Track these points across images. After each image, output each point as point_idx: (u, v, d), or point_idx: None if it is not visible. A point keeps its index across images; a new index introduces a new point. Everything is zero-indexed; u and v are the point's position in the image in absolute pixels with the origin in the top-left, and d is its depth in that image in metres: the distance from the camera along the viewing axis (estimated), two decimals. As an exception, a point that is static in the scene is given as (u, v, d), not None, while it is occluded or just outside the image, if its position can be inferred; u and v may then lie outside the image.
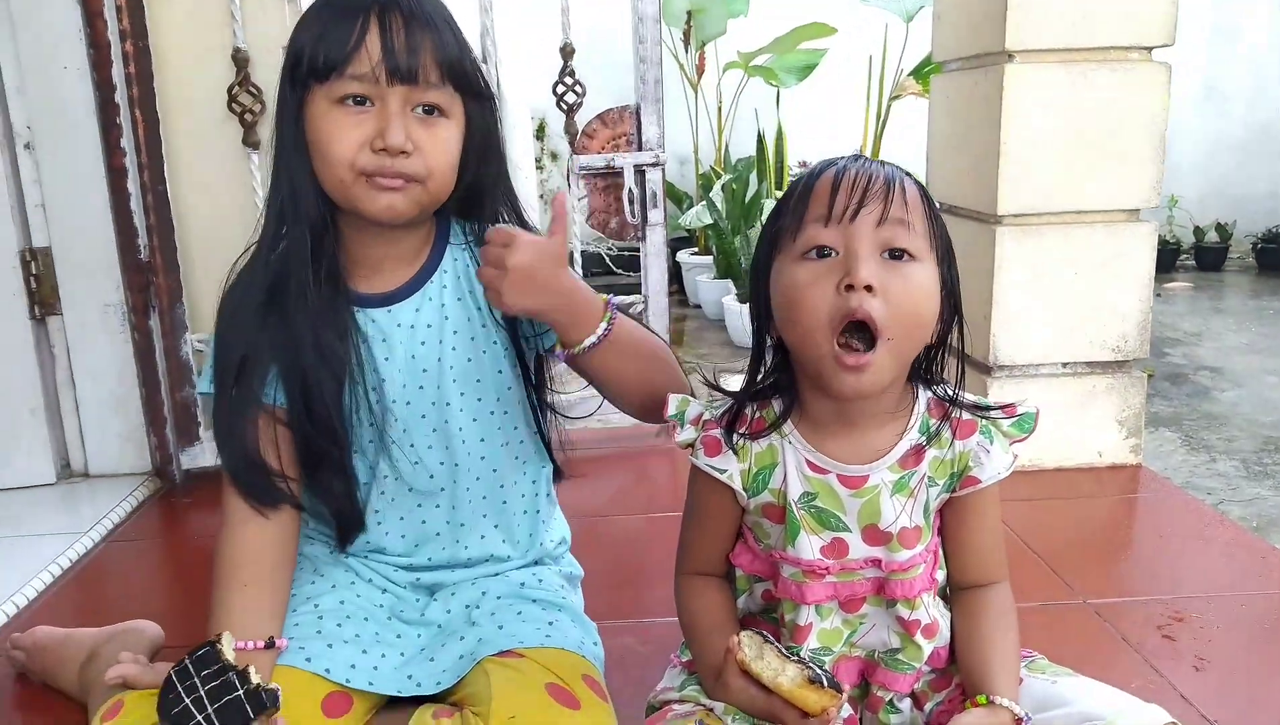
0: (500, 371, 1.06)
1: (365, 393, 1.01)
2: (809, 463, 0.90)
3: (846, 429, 0.89)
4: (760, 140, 4.57)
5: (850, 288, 0.80)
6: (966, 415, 0.90)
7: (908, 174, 0.86)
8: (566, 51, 2.11)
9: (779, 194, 4.32)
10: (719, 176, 4.47)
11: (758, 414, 0.92)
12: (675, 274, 4.87)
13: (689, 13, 4.70)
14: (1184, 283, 5.09)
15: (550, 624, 1.05)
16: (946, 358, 0.91)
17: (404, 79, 0.92)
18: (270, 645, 0.96)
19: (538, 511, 1.14)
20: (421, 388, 1.04)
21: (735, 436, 0.91)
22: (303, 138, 0.95)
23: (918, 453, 0.90)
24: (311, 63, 0.92)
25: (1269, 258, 5.38)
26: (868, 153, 4.52)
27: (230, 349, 0.99)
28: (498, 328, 1.05)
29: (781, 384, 0.92)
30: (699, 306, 4.61)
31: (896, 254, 0.82)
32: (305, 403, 0.98)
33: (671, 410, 0.95)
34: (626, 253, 5.21)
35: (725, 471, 0.92)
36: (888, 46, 4.41)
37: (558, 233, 0.95)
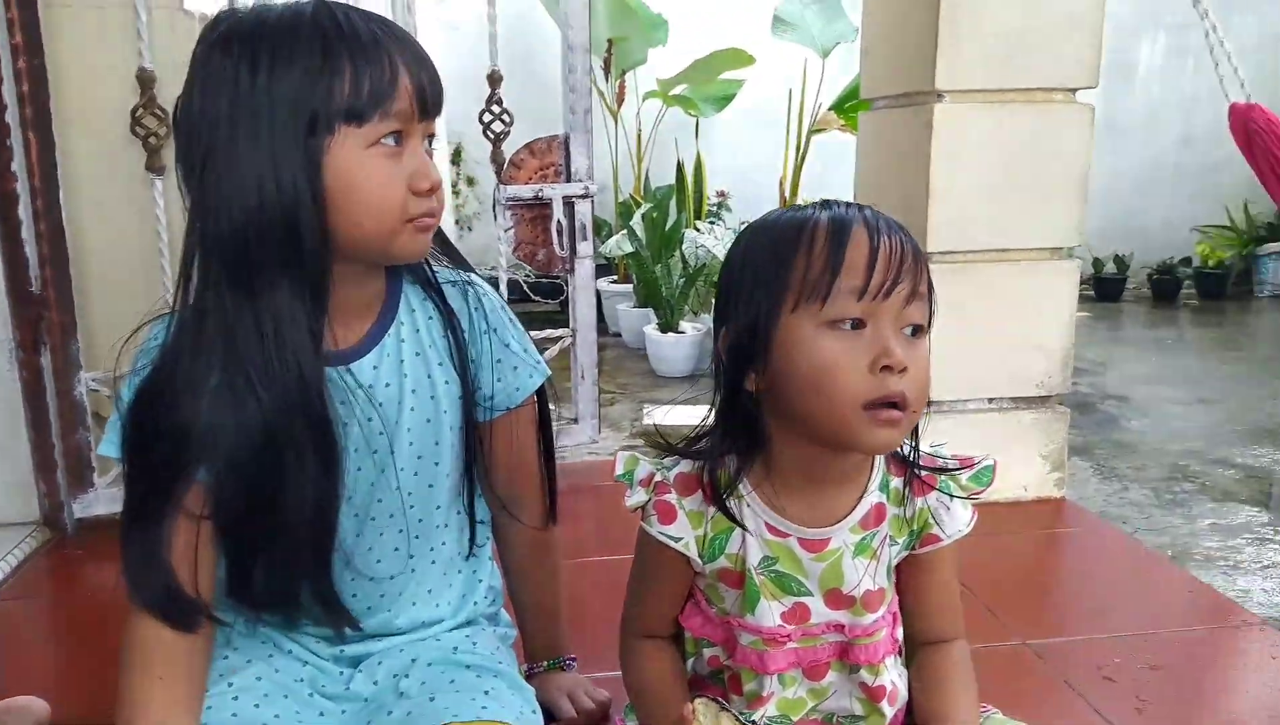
0: (451, 428, 0.99)
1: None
2: (769, 526, 0.86)
3: (810, 489, 0.86)
4: (680, 169, 4.58)
5: (887, 369, 0.78)
6: (925, 471, 0.88)
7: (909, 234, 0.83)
8: (494, 79, 2.06)
9: (699, 224, 4.31)
10: (639, 205, 4.45)
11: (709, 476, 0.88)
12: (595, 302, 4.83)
13: (610, 41, 4.69)
14: (1084, 313, 5.28)
15: (486, 693, 0.98)
16: None
17: (430, 112, 0.87)
18: None
19: (474, 571, 1.08)
20: (375, 452, 0.95)
21: (704, 506, 0.87)
22: (318, 187, 0.82)
23: (879, 512, 0.87)
24: (345, 103, 0.81)
25: (1163, 288, 5.64)
26: (788, 185, 4.58)
27: (159, 443, 0.84)
28: (458, 383, 0.98)
29: (740, 441, 0.88)
30: (619, 335, 4.58)
31: (914, 329, 0.81)
32: (274, 503, 0.86)
33: (620, 470, 0.90)
34: (545, 280, 5.15)
35: (680, 539, 0.88)
36: (806, 79, 4.48)
37: None
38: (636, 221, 4.22)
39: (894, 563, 0.89)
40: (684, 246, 4.06)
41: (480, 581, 1.09)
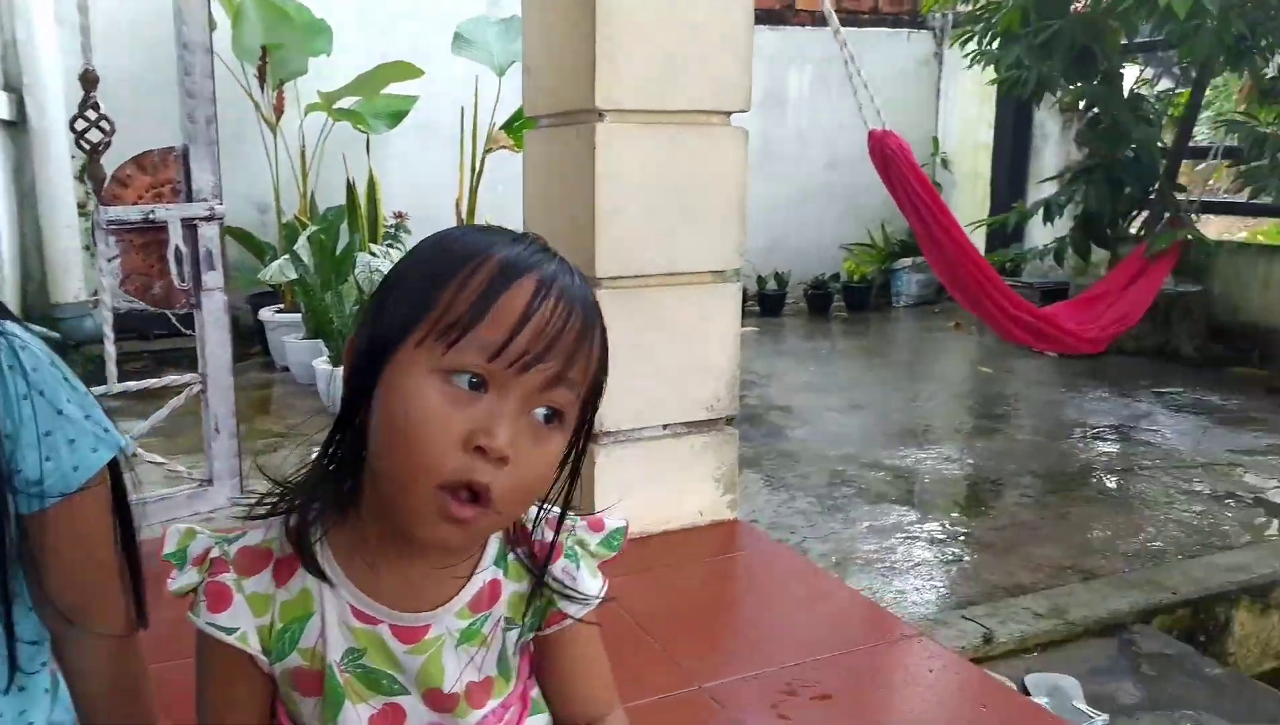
0: None
1: None
2: (355, 610, 0.71)
3: (407, 565, 0.71)
4: (351, 189, 4.29)
5: (480, 451, 0.64)
6: (550, 536, 0.76)
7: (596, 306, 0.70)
8: (89, 79, 1.73)
9: (374, 247, 4.03)
10: (305, 227, 4.11)
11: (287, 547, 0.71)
12: (259, 334, 4.41)
13: (264, 47, 4.31)
14: (751, 328, 5.61)
15: None
16: None
17: None
18: None
19: (21, 712, 0.83)
20: None
21: (272, 588, 0.70)
22: None
23: (493, 590, 0.74)
24: None
25: (816, 302, 6.15)
26: (464, 205, 4.44)
27: None
28: None
29: (336, 491, 0.71)
30: (287, 369, 4.19)
31: (547, 416, 0.67)
32: None
33: (169, 548, 0.72)
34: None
35: (235, 630, 0.70)
36: (479, 97, 4.37)
37: None
38: (302, 245, 3.89)
39: (516, 648, 0.77)
40: (357, 271, 3.79)
41: (31, 724, 0.83)
